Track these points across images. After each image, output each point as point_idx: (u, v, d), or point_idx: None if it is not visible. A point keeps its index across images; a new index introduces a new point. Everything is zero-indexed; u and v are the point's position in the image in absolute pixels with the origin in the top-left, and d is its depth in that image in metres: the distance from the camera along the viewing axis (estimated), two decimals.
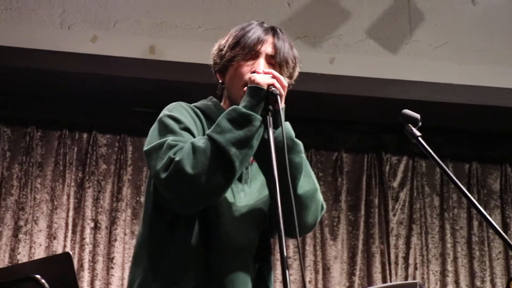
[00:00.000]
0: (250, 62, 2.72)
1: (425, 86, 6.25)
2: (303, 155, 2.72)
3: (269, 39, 2.77)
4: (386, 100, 6.21)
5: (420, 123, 2.70)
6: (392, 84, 6.23)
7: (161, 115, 2.69)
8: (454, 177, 2.64)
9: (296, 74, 2.84)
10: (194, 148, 2.48)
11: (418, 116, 2.70)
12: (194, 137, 2.60)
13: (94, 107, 6.38)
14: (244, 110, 2.54)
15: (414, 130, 2.69)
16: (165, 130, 2.61)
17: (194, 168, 2.45)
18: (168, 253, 2.61)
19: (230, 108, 2.57)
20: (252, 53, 2.73)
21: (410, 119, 2.70)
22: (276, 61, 2.74)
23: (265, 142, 2.57)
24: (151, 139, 2.63)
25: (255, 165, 2.75)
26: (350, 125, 6.73)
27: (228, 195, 2.66)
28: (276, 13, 6.22)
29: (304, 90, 5.84)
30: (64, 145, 6.34)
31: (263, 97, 2.57)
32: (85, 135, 6.44)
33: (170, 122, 2.62)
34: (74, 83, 6.08)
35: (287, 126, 2.67)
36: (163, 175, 2.48)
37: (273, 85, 2.59)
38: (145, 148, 2.62)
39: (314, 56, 6.16)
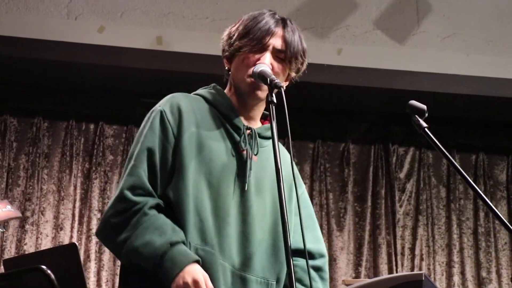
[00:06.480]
0: (257, 55, 2.67)
1: (432, 77, 6.24)
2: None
3: (279, 31, 2.71)
4: (393, 91, 6.20)
5: (427, 114, 2.68)
6: (399, 75, 6.22)
7: (153, 109, 2.79)
8: (460, 168, 2.63)
9: (303, 68, 2.77)
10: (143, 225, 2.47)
11: (424, 107, 2.68)
12: (153, 158, 2.58)
13: (101, 98, 6.38)
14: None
15: (421, 121, 2.67)
16: (138, 142, 2.65)
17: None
18: None
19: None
20: (260, 45, 2.68)
21: (417, 110, 2.68)
22: (286, 56, 2.69)
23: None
24: (137, 139, 2.67)
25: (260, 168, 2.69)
26: (357, 116, 6.72)
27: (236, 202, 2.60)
28: (284, 4, 6.21)
29: (312, 81, 5.83)
30: (71, 136, 6.35)
31: None
32: (92, 126, 6.45)
33: (145, 133, 2.68)
34: (81, 74, 6.08)
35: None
36: (113, 220, 2.49)
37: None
38: (131, 151, 2.66)
39: (321, 47, 6.15)
